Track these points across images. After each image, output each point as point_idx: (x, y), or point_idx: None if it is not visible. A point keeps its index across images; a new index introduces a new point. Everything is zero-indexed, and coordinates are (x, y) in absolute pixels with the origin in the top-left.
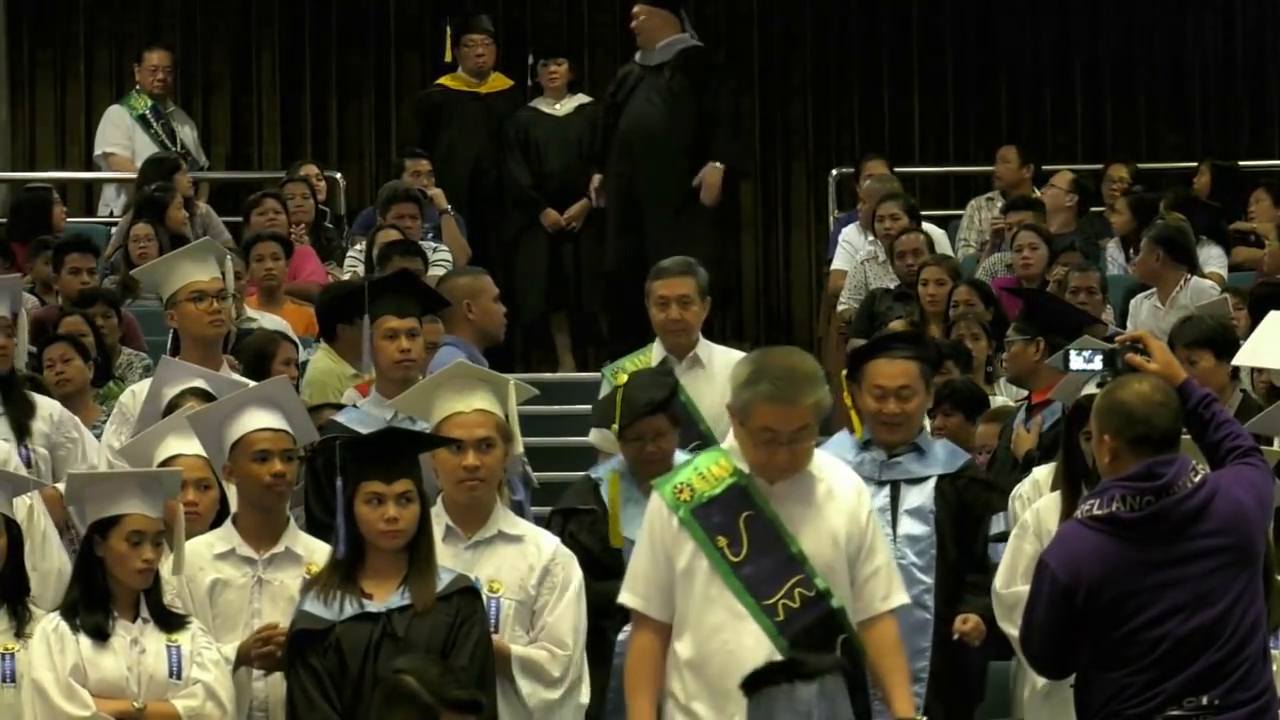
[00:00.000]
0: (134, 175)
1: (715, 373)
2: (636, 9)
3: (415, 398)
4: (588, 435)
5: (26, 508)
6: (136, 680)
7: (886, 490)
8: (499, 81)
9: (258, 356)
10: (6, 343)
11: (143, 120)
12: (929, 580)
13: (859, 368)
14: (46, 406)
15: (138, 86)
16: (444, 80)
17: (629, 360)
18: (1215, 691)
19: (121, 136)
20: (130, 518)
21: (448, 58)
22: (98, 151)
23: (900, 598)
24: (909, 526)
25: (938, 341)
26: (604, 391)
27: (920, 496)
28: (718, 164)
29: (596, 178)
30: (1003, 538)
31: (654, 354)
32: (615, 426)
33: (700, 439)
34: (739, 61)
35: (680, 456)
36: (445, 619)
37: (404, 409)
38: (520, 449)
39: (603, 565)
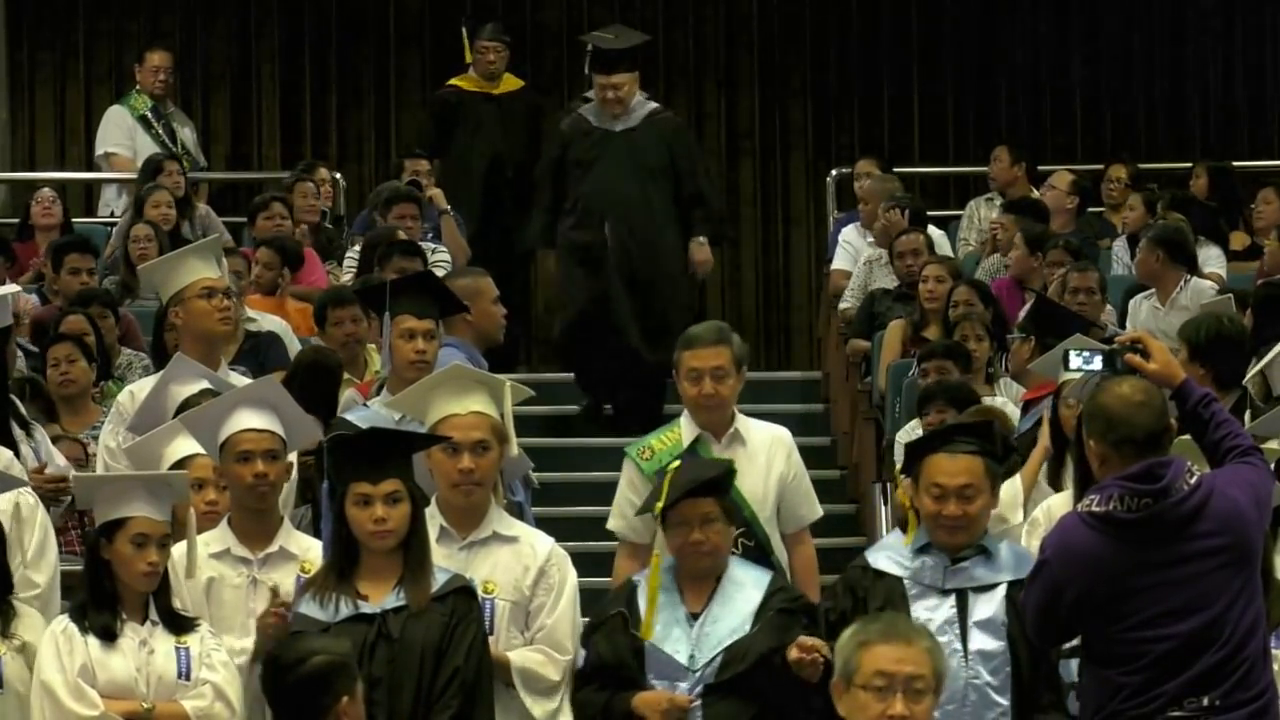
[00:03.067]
0: (133, 175)
1: (756, 451)
2: (620, 79)
3: (411, 399)
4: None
5: (13, 507)
6: (145, 681)
7: (952, 600)
8: (510, 83)
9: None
10: None
11: (144, 120)
12: (1005, 702)
13: (916, 463)
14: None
15: (138, 87)
16: (457, 81)
17: (655, 439)
18: (1216, 692)
19: (123, 136)
20: (135, 520)
21: (468, 59)
22: (99, 151)
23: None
24: (981, 641)
25: (1003, 434)
26: (626, 474)
27: (991, 606)
28: (702, 239)
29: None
30: (1076, 653)
31: (683, 430)
32: (659, 507)
33: (745, 525)
34: (738, 62)
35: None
36: (441, 619)
37: (400, 410)
38: (515, 450)
39: (616, 675)
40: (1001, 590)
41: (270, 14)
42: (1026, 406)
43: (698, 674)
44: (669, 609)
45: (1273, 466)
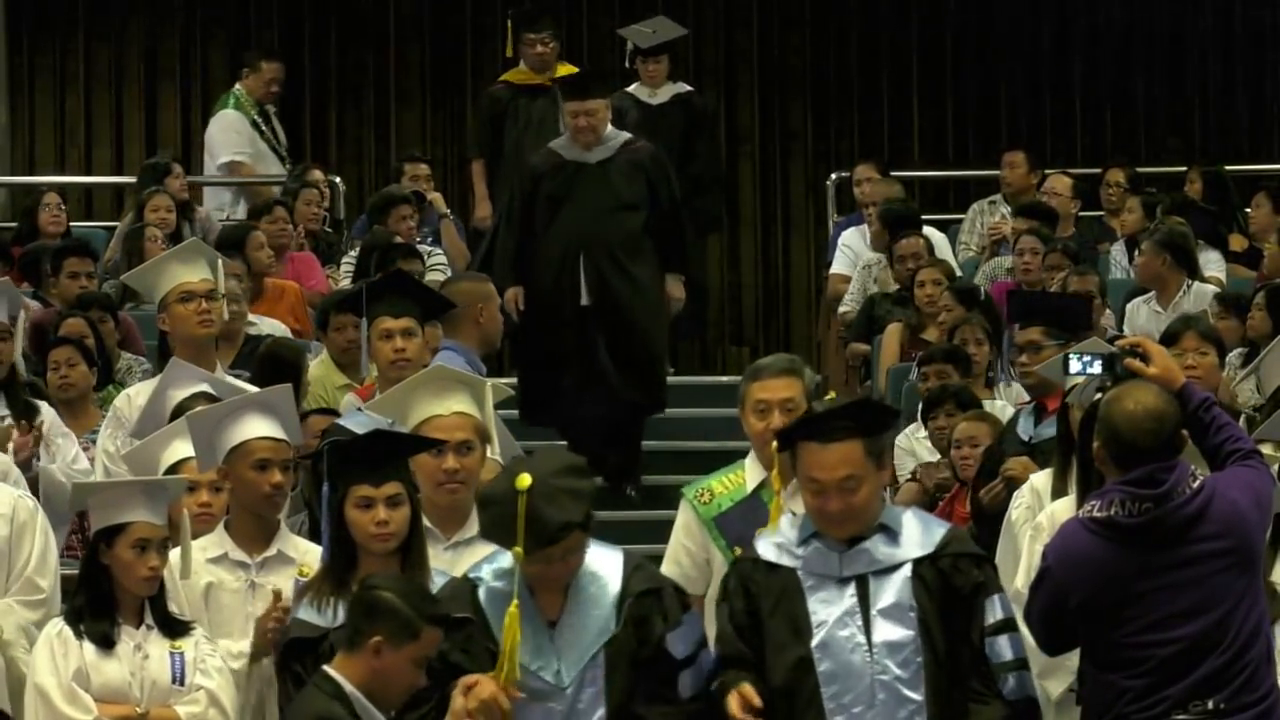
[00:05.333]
0: (133, 180)
1: None
2: (595, 104)
3: (392, 401)
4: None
5: (11, 511)
6: (139, 686)
7: (852, 588)
8: (563, 69)
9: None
10: (3, 348)
11: (255, 125)
12: (918, 697)
13: (789, 448)
14: (42, 411)
15: (238, 90)
16: (507, 76)
17: (716, 480)
18: (1220, 695)
19: (245, 143)
20: (136, 526)
21: (509, 53)
22: (222, 159)
23: None
24: (886, 632)
25: (880, 399)
26: (681, 519)
27: (894, 590)
28: (679, 276)
29: (516, 291)
30: (1006, 627)
31: (748, 473)
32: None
33: None
34: (737, 66)
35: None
36: None
37: (381, 412)
38: (498, 450)
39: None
40: (906, 570)
41: (269, 17)
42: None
43: (568, 692)
44: (524, 619)
45: (1275, 470)
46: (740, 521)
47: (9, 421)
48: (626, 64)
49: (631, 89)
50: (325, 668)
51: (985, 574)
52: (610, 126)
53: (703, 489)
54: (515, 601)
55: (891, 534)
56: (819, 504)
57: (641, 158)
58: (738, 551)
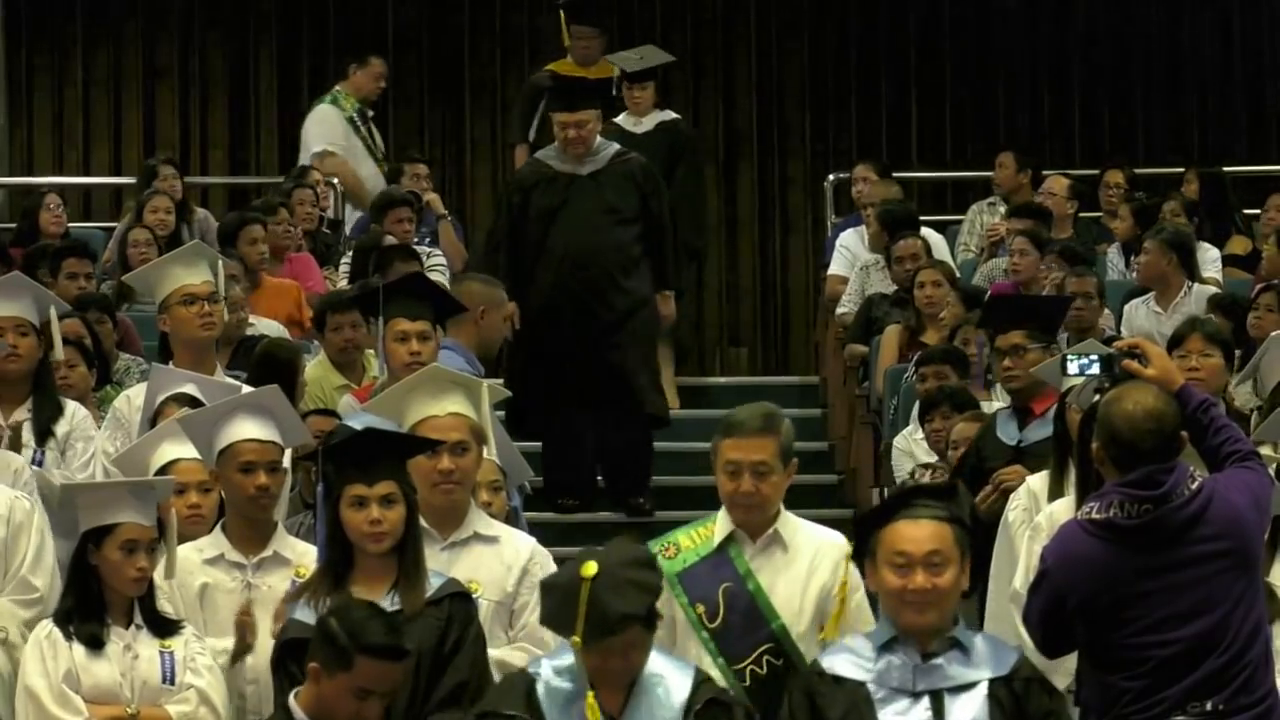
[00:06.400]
0: (131, 181)
1: (796, 556)
2: (585, 115)
3: (388, 401)
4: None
5: (8, 510)
6: (130, 686)
7: (925, 703)
8: (604, 69)
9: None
10: (19, 342)
11: (351, 122)
12: None
13: (871, 535)
14: (70, 407)
15: (339, 88)
16: (553, 66)
17: (684, 534)
18: (1219, 697)
19: (339, 136)
20: (124, 527)
21: (565, 43)
22: (314, 149)
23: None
24: None
25: (970, 500)
26: None
27: (972, 707)
28: (669, 292)
29: (512, 307)
30: None
31: (718, 526)
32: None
33: (773, 640)
34: (736, 66)
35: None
36: (436, 623)
37: (377, 412)
38: (494, 452)
39: None
40: (982, 689)
41: (268, 19)
42: (1026, 415)
43: None
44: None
45: (1272, 470)
46: (705, 578)
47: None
48: (613, 91)
49: (619, 119)
50: (290, 694)
51: (1056, 704)
52: (600, 138)
53: (668, 543)
54: (591, 693)
55: (965, 651)
56: (903, 583)
57: (633, 169)
58: (699, 609)
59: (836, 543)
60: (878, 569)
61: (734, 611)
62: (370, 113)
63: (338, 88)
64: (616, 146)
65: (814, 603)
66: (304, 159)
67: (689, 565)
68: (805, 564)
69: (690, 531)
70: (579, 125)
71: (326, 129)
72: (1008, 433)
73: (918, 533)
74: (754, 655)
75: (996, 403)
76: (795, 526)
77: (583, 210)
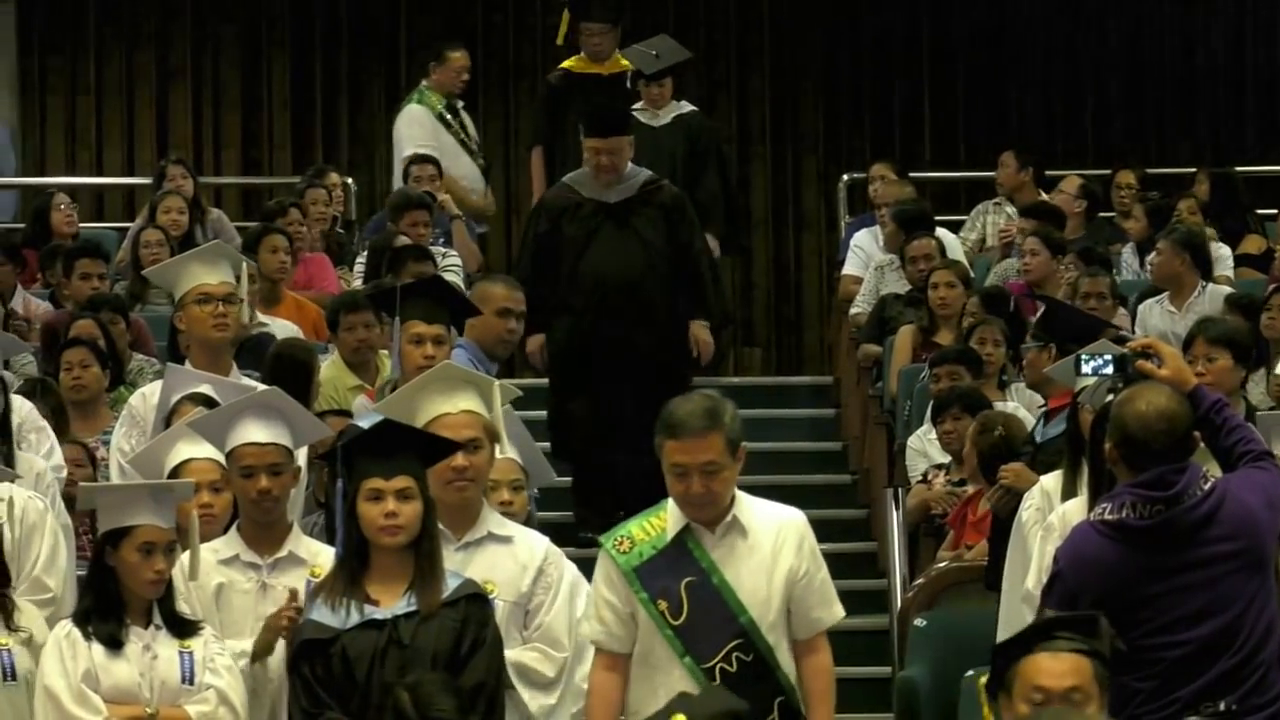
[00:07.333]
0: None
1: (759, 541)
2: (618, 142)
3: (401, 399)
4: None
5: (22, 512)
6: (149, 686)
7: None
8: (618, 64)
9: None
10: None
11: (441, 118)
12: None
13: (1009, 668)
14: (15, 400)
15: (426, 84)
16: (566, 64)
17: (635, 525)
18: (1231, 697)
19: (428, 137)
20: (142, 529)
21: (559, 40)
22: (406, 151)
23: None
24: None
25: (1111, 634)
26: (601, 569)
27: None
28: (704, 322)
29: (540, 340)
30: None
31: (669, 518)
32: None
33: (741, 634)
34: (750, 65)
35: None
36: (452, 625)
37: (389, 411)
38: (510, 451)
39: None
40: None
41: (280, 19)
42: (1049, 415)
43: None
44: None
45: None
46: (664, 572)
47: None
48: (628, 85)
49: (636, 111)
50: None
51: None
52: (630, 164)
53: (621, 536)
54: None
55: None
56: None
57: (663, 198)
58: (662, 605)
59: (795, 520)
60: (1013, 702)
61: (699, 607)
62: (460, 103)
63: (423, 84)
64: (646, 173)
65: (781, 589)
66: (397, 163)
67: (645, 559)
68: (768, 548)
69: (642, 522)
70: (611, 152)
71: (416, 131)
72: (1038, 431)
73: (1058, 666)
74: (723, 653)
75: (1012, 403)
76: (750, 509)
77: (613, 241)
